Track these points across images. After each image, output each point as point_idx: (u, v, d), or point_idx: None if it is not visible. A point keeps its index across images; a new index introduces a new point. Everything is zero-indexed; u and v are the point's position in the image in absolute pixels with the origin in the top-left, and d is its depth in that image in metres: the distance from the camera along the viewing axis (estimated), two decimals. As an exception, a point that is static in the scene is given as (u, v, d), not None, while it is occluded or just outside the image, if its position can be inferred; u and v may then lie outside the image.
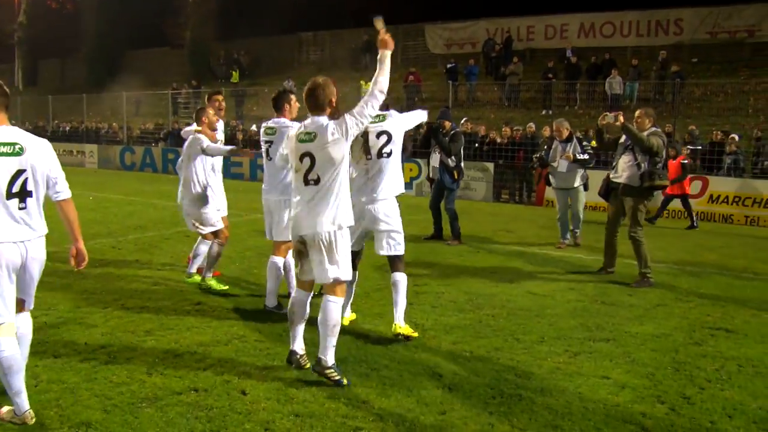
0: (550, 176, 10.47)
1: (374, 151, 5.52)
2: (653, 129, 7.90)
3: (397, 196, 5.58)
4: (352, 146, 5.30)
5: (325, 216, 4.51)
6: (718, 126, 17.86)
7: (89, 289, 6.94)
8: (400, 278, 5.58)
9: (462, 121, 17.82)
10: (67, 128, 29.60)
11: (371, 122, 5.19)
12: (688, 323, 6.24)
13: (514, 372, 4.85)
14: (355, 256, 5.52)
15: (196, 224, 7.11)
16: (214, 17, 36.94)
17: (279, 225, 6.17)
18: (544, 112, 21.61)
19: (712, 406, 4.35)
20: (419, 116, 5.92)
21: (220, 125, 7.56)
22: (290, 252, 6.02)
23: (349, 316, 5.96)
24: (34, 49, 43.94)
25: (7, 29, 44.16)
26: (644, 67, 22.64)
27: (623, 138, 8.06)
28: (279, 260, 6.27)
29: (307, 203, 4.56)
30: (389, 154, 5.53)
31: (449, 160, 10.10)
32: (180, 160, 7.37)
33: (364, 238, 5.77)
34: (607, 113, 8.06)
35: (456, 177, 10.26)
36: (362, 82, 25.59)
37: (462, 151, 10.39)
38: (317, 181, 4.53)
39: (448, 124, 10.23)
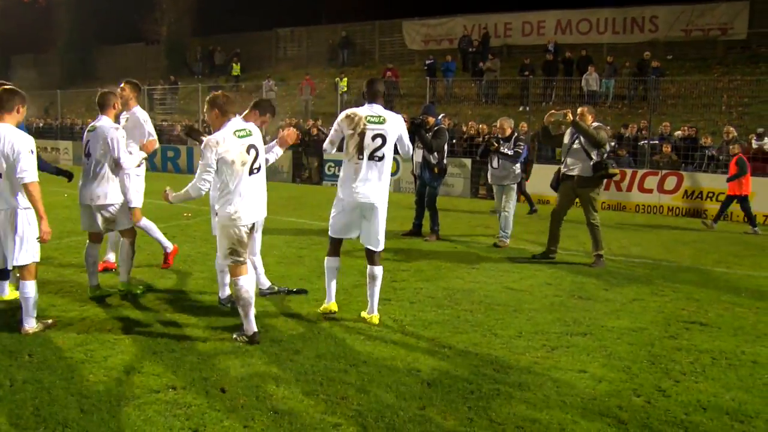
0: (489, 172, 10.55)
1: (366, 152, 5.63)
2: (596, 124, 8.56)
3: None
4: (347, 142, 5.47)
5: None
6: (693, 122, 18.08)
7: (64, 287, 6.86)
8: (378, 272, 5.85)
9: (440, 117, 17.85)
10: (41, 124, 29.16)
11: (370, 121, 5.61)
12: (664, 317, 6.32)
13: (493, 367, 4.88)
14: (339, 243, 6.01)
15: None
16: (190, 13, 36.60)
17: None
18: (521, 109, 21.72)
19: (686, 398, 4.41)
20: (407, 144, 6.04)
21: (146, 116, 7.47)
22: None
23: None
24: (7, 45, 43.19)
25: (-22, 24, 43.39)
26: (620, 63, 22.84)
27: (567, 135, 8.65)
28: None
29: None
30: (381, 158, 5.66)
31: (431, 156, 10.09)
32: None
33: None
34: (554, 111, 8.59)
35: (437, 173, 10.22)
36: (337, 79, 25.54)
37: (446, 147, 10.37)
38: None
39: (431, 119, 10.16)
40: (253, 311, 5.32)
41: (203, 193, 5.26)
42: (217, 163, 5.15)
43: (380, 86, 5.92)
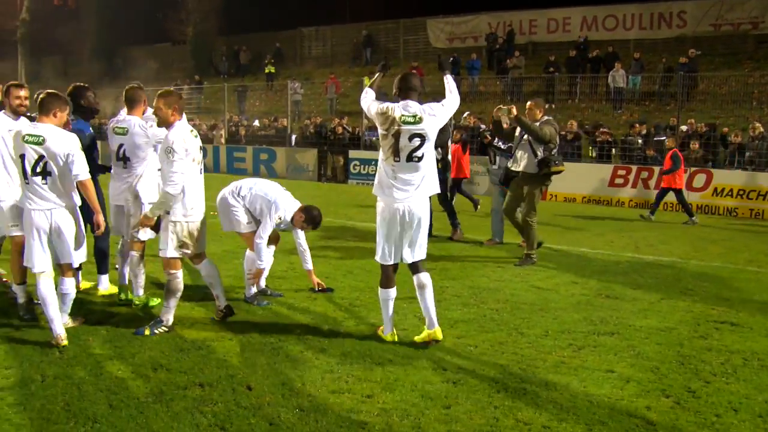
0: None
1: (403, 155, 5.06)
2: (545, 118, 8.33)
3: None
4: (381, 141, 5.19)
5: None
6: (722, 119, 17.81)
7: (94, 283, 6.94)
8: (426, 278, 5.26)
9: (464, 116, 17.80)
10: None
11: (405, 122, 5.04)
12: (693, 317, 6.23)
13: (519, 366, 4.85)
14: (393, 269, 5.33)
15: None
16: (215, 13, 36.92)
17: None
18: (546, 106, 21.54)
19: (717, 399, 4.34)
20: (454, 102, 5.48)
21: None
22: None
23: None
24: (37, 46, 43.92)
25: (9, 26, 44.15)
26: (647, 60, 22.56)
27: (519, 129, 8.40)
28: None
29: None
30: (420, 158, 5.09)
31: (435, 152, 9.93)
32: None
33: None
34: (502, 106, 8.29)
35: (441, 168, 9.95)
36: (365, 78, 25.53)
37: (450, 144, 10.17)
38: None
39: None
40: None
41: (179, 190, 5.29)
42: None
43: (414, 80, 5.37)
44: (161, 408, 4.06)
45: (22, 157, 5.10)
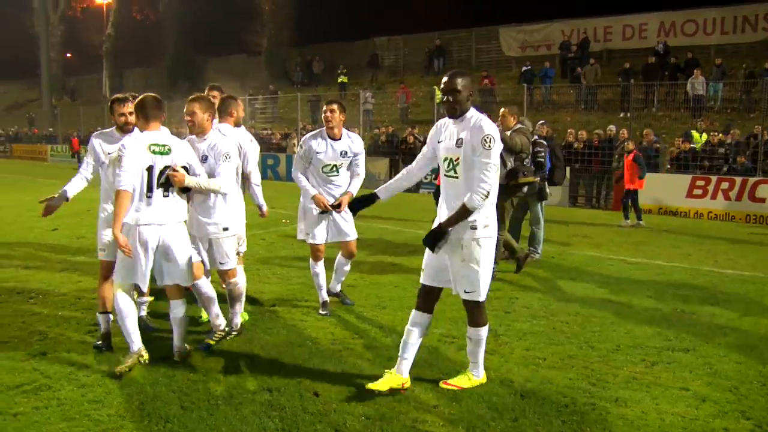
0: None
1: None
2: (518, 126, 8.01)
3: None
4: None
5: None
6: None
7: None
8: (476, 334, 4.50)
9: (538, 125, 17.58)
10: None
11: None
12: (776, 334, 5.96)
13: (588, 380, 4.75)
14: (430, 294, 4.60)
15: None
16: (289, 24, 37.74)
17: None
18: (622, 115, 21.05)
19: (801, 422, 4.14)
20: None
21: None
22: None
23: None
24: (120, 60, 45.92)
25: (96, 41, 46.32)
26: (729, 66, 21.74)
27: None
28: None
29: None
30: (455, 176, 4.42)
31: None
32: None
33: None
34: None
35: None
36: (435, 87, 25.58)
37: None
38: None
39: None
40: None
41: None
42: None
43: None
44: (230, 411, 4.17)
45: (150, 169, 4.74)
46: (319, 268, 6.40)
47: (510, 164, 7.72)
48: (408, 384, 4.49)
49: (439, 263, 4.42)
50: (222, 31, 40.08)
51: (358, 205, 4.85)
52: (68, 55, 52.95)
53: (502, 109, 8.16)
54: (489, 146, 4.18)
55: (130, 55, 46.08)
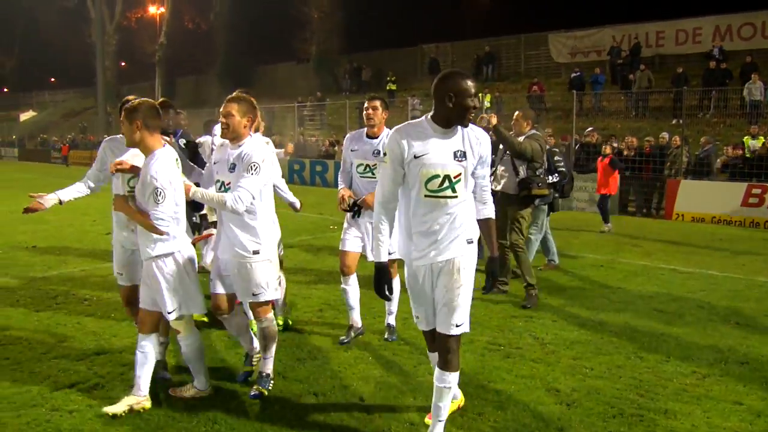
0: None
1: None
2: (531, 132, 7.39)
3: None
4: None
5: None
6: None
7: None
8: (445, 381, 3.72)
9: (587, 131, 17.39)
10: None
11: None
12: (834, 348, 5.77)
13: (636, 391, 4.68)
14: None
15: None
16: (338, 31, 38.12)
17: None
18: (674, 121, 20.62)
19: None
20: None
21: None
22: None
23: None
24: (172, 68, 47.00)
25: (149, 50, 47.49)
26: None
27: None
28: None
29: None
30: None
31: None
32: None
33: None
34: (484, 115, 7.27)
35: None
36: (481, 95, 25.49)
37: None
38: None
39: None
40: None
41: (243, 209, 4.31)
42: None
43: None
44: (277, 413, 4.25)
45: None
46: (348, 284, 5.67)
47: (522, 173, 7.24)
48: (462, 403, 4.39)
49: (429, 302, 3.75)
50: (272, 39, 40.75)
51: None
52: (122, 63, 54.47)
53: (516, 113, 7.61)
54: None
55: (182, 64, 47.19)
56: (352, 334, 5.75)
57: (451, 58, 34.11)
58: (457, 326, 3.64)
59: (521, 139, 7.24)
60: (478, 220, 3.77)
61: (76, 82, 57.62)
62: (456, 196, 3.60)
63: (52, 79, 66.08)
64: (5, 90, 71.65)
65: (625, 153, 16.70)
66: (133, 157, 4.48)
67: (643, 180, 16.40)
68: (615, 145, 17.19)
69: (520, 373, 5.00)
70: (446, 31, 34.86)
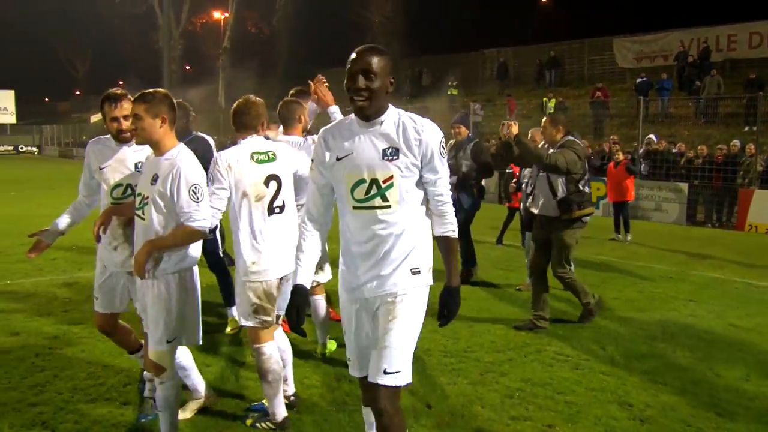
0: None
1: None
2: (564, 140, 6.24)
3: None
4: None
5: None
6: None
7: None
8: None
9: (647, 138, 17.00)
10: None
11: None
12: None
13: (715, 410, 4.49)
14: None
15: None
16: (399, 36, 38.24)
17: None
18: (746, 129, 19.88)
19: None
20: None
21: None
22: None
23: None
24: (236, 71, 47.96)
25: (213, 54, 48.61)
26: None
27: None
28: None
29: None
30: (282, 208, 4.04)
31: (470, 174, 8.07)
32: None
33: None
34: (505, 122, 6.17)
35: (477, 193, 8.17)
36: (545, 99, 25.21)
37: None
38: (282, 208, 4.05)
39: (464, 130, 8.11)
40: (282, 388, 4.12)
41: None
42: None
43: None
44: (344, 417, 4.24)
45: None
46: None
47: (561, 191, 6.13)
48: None
49: (362, 341, 3.06)
50: (332, 43, 41.19)
51: None
52: (187, 67, 55.90)
53: (545, 119, 6.56)
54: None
55: (245, 67, 48.10)
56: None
57: (513, 63, 33.78)
58: (387, 373, 2.80)
59: (551, 150, 6.21)
60: (436, 238, 3.00)
61: (144, 85, 59.29)
62: (388, 206, 2.83)
63: (120, 83, 68.33)
64: (77, 93, 74.58)
65: (695, 162, 16.21)
66: (119, 163, 4.00)
67: (713, 189, 15.86)
68: (681, 151, 16.74)
69: (590, 386, 4.86)
70: (508, 35, 34.58)
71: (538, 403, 4.49)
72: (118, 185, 3.98)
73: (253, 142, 3.99)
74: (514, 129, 6.00)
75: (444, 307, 2.94)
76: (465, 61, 35.67)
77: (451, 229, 2.95)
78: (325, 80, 5.04)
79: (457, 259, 3.02)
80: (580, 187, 6.12)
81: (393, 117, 2.87)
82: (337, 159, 2.89)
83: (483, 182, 8.28)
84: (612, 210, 13.15)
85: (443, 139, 2.90)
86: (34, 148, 57.56)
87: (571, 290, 6.55)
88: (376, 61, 2.78)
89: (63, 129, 57.03)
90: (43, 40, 68.95)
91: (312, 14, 41.11)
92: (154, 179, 3.50)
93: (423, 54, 37.92)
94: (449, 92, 30.79)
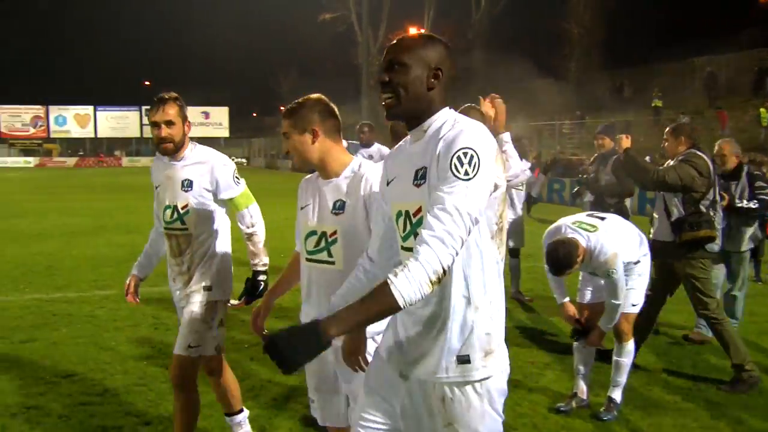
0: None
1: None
2: (689, 151, 5.16)
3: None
4: None
5: None
6: None
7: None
8: None
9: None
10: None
11: None
12: None
13: None
14: None
15: None
16: (599, 47, 36.96)
17: None
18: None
19: None
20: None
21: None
22: None
23: None
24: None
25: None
26: None
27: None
28: None
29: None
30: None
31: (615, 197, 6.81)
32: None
33: None
34: (621, 136, 5.41)
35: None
36: (762, 111, 23.12)
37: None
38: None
39: (608, 141, 6.87)
40: None
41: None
42: None
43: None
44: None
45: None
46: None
47: (677, 211, 5.17)
48: None
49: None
50: (529, 56, 40.70)
51: None
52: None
53: (667, 129, 5.60)
54: None
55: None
56: (573, 404, 4.54)
57: (725, 72, 31.19)
58: None
59: (672, 163, 5.24)
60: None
61: (345, 100, 62.94)
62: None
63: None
64: (281, 108, 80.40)
65: None
66: (169, 180, 3.44)
67: None
68: None
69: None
70: (718, 42, 31.87)
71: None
72: (167, 207, 3.40)
73: None
74: (625, 142, 5.31)
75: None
76: (670, 70, 33.55)
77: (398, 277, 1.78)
78: (498, 97, 4.21)
79: (367, 314, 1.82)
80: (702, 209, 5.11)
81: (440, 123, 2.03)
82: (387, 183, 2.20)
83: (627, 202, 6.89)
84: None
85: (476, 151, 1.87)
86: (244, 160, 62.67)
87: (720, 339, 5.15)
88: (405, 48, 2.05)
89: (269, 141, 61.74)
90: (254, 59, 75.14)
91: (509, 28, 40.95)
92: (338, 207, 2.62)
93: (624, 65, 36.25)
94: (653, 104, 29.12)
